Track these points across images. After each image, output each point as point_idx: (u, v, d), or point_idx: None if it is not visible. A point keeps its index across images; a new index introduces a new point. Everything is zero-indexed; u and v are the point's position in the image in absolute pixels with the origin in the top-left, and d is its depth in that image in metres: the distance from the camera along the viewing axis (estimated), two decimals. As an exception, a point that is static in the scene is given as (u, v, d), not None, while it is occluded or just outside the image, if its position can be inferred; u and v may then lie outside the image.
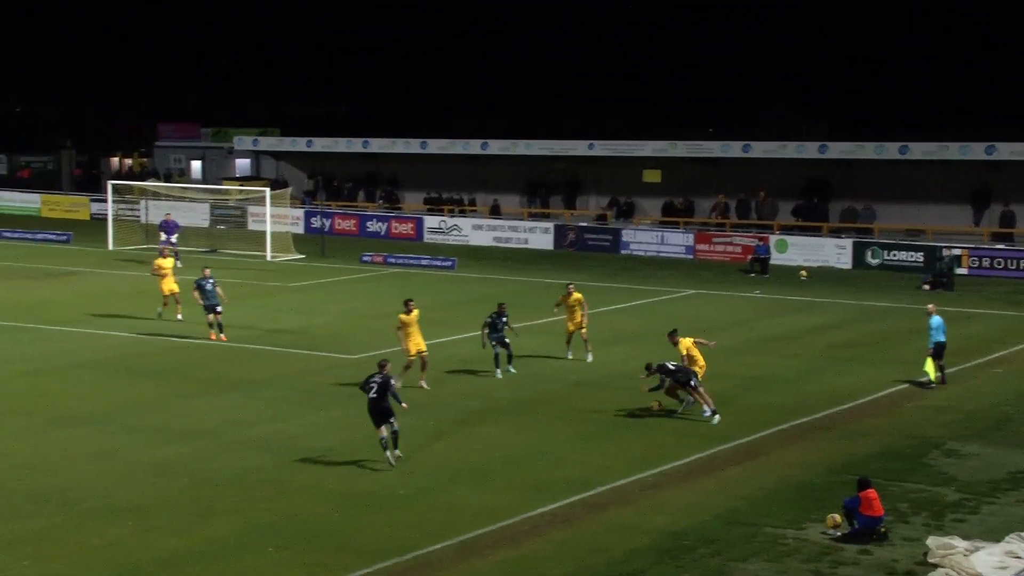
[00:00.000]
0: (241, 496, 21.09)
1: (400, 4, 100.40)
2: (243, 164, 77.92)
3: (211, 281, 34.36)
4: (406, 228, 62.32)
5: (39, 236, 59.99)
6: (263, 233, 55.69)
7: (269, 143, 74.61)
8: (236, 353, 33.07)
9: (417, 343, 28.67)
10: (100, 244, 57.04)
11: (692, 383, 26.69)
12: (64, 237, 59.37)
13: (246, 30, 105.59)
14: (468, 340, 33.80)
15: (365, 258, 53.26)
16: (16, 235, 60.37)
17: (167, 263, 38.30)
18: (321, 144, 70.86)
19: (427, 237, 61.54)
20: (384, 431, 22.69)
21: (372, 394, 22.78)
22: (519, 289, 45.47)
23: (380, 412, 22.73)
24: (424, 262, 52.33)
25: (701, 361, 27.75)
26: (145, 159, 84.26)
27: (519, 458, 23.86)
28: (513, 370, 30.54)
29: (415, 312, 28.90)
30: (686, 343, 27.83)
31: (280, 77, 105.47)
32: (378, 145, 69.18)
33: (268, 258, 53.73)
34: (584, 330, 32.25)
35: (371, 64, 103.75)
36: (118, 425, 25.71)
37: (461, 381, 30.12)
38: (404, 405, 23.47)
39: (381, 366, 23.29)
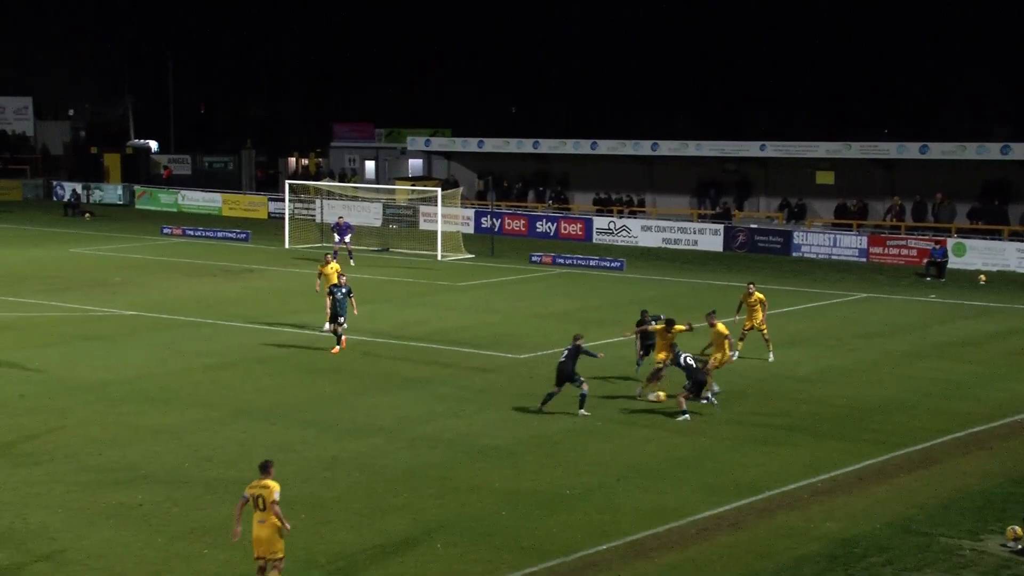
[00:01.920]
0: (412, 492, 21.40)
1: (573, 6, 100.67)
2: (415, 164, 79.17)
3: (344, 290, 32.98)
4: (575, 229, 62.46)
5: (219, 234, 61.91)
6: (434, 233, 56.44)
7: (441, 143, 75.57)
8: (408, 351, 33.59)
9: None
10: (277, 242, 58.55)
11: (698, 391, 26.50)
12: (243, 235, 61.09)
13: (420, 32, 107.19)
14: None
15: (534, 258, 53.57)
16: (198, 233, 62.39)
17: (330, 270, 36.49)
18: (492, 144, 71.48)
19: (596, 238, 61.59)
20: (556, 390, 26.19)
21: (562, 358, 26.25)
22: (687, 291, 45.21)
23: (562, 373, 26.18)
24: (593, 263, 52.39)
25: (724, 353, 28.30)
26: (321, 159, 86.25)
27: (687, 460, 23.75)
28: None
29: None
30: (721, 328, 28.30)
31: (454, 78, 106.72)
32: (548, 146, 69.46)
33: (439, 257, 54.44)
34: (765, 329, 32.37)
35: (544, 65, 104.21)
36: (294, 420, 26.35)
37: (629, 383, 30.07)
38: (600, 355, 27.38)
39: (576, 339, 26.35)
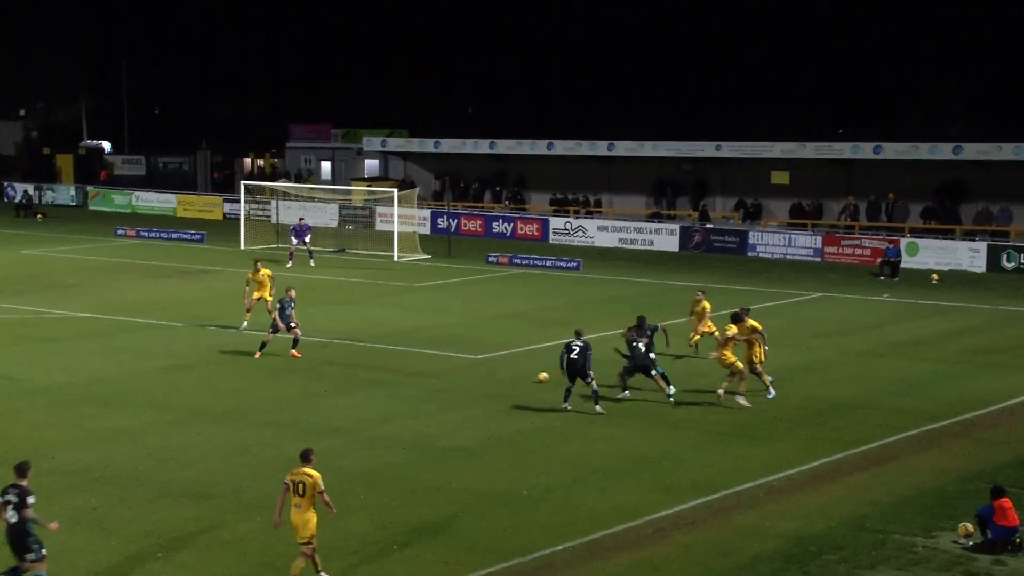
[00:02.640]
0: (371, 493, 21.40)
1: (526, 5, 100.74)
2: (372, 165, 78.99)
3: (293, 303, 32.26)
4: (532, 229, 62.55)
5: (174, 235, 61.54)
6: (390, 233, 56.37)
7: (397, 144, 75.48)
8: (366, 352, 33.54)
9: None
10: (233, 243, 58.30)
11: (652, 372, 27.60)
12: (198, 236, 60.78)
13: (376, 32, 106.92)
14: (592, 341, 33.86)
15: (491, 259, 53.60)
16: (153, 234, 62.00)
17: (262, 276, 35.94)
18: (448, 145, 71.49)
19: (552, 238, 61.71)
20: (571, 386, 26.73)
21: (573, 355, 26.48)
22: (645, 291, 45.38)
23: (574, 369, 26.53)
24: (550, 263, 52.48)
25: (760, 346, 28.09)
26: (277, 160, 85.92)
27: (645, 459, 23.84)
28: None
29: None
30: (752, 324, 28.16)
31: (408, 78, 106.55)
32: (505, 146, 69.54)
33: (395, 258, 54.38)
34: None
35: (498, 65, 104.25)
36: (251, 421, 26.26)
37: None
38: (591, 374, 26.74)
39: (578, 334, 27.01)
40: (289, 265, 50.11)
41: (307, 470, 17.37)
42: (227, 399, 28.14)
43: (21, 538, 16.59)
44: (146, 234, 62.07)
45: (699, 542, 19.45)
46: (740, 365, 27.73)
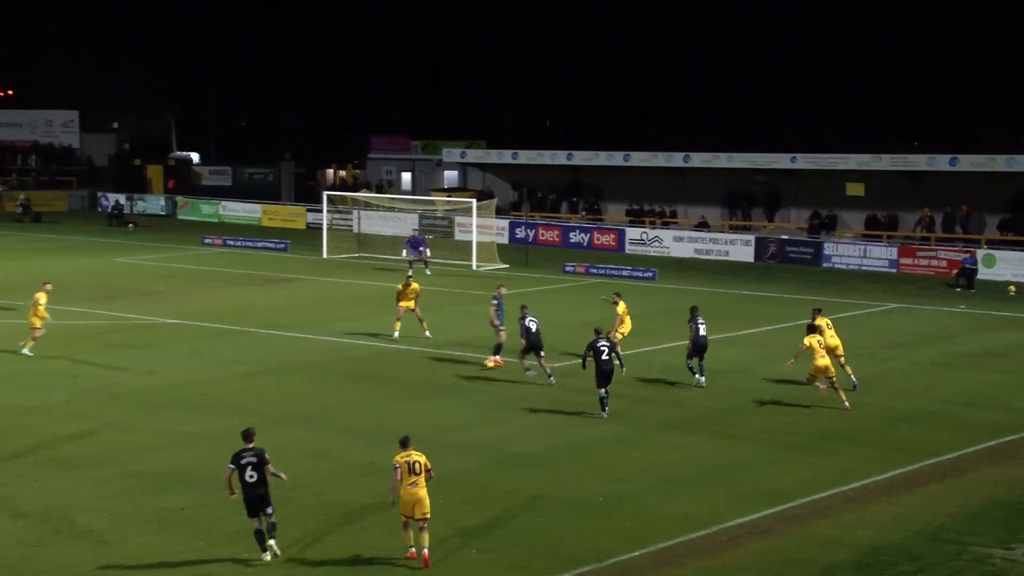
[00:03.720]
0: (448, 498, 21.67)
1: (607, 19, 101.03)
2: (451, 176, 79.65)
3: (537, 323, 30.96)
4: (608, 239, 62.81)
5: (259, 244, 62.60)
6: (469, 243, 56.92)
7: (476, 155, 76.04)
8: (444, 359, 33.98)
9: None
10: (315, 252, 59.15)
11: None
12: (282, 245, 61.73)
13: (456, 44, 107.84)
14: (667, 350, 34.17)
15: (567, 268, 53.93)
16: (239, 243, 63.10)
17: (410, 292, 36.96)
18: (526, 156, 71.93)
19: (629, 248, 61.92)
20: (603, 391, 27.18)
21: (604, 356, 26.97)
22: (719, 300, 45.45)
23: (607, 373, 27.10)
24: (625, 273, 52.71)
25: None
26: (358, 171, 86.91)
27: (718, 467, 24.04)
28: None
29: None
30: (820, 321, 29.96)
31: (488, 90, 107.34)
32: (581, 157, 69.85)
33: (474, 267, 54.89)
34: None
35: (575, 78, 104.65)
36: (332, 426, 26.79)
37: (660, 390, 30.43)
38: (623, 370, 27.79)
39: (597, 332, 27.70)
40: (409, 273, 50.22)
41: (411, 452, 18.92)
42: (306, 404, 28.69)
43: (262, 496, 18.74)
44: (232, 243, 63.13)
45: (773, 550, 19.55)
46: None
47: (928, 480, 23.36)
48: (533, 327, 30.19)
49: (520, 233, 63.14)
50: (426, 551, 18.65)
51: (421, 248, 52.45)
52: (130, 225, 72.68)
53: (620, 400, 28.65)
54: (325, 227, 60.77)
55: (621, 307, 33.25)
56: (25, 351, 33.53)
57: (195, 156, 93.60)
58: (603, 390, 27.29)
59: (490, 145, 79.38)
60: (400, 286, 37.10)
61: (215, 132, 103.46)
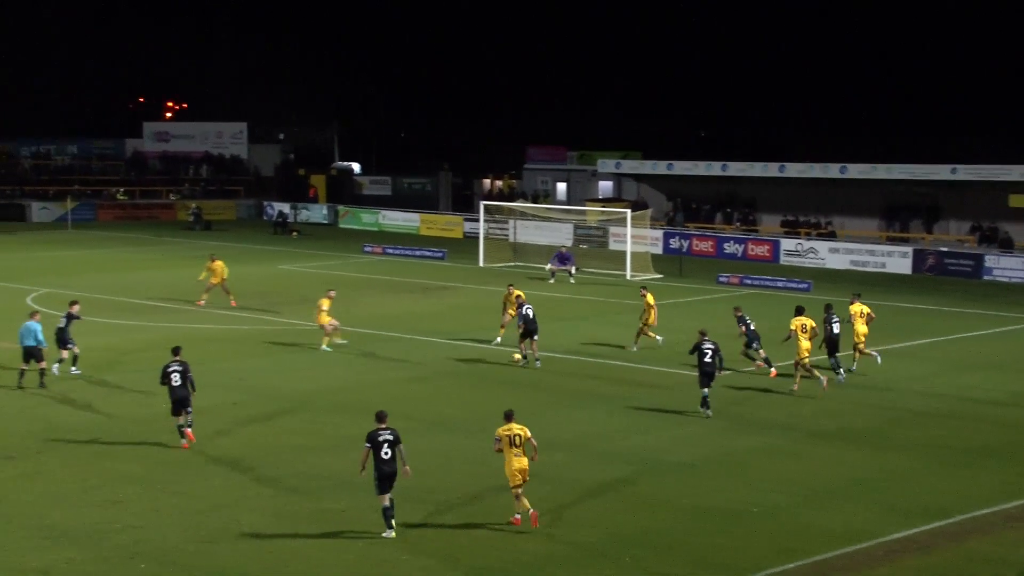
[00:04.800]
0: (601, 506, 21.99)
1: (764, 32, 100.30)
2: (606, 186, 79.97)
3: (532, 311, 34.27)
4: (762, 250, 62.38)
5: (417, 253, 63.71)
6: (623, 253, 57.11)
7: (631, 166, 76.21)
8: (598, 367, 34.28)
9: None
10: (472, 260, 59.98)
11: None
12: (440, 254, 62.73)
13: (612, 56, 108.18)
14: (824, 362, 33.85)
15: (722, 279, 53.75)
16: (398, 251, 64.32)
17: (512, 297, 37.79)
18: (681, 167, 71.88)
19: (783, 259, 61.41)
20: (707, 391, 28.22)
21: (707, 358, 28.16)
22: (875, 312, 44.73)
23: (709, 374, 28.17)
24: (780, 284, 52.32)
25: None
26: (514, 180, 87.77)
27: (873, 481, 23.83)
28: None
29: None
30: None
31: (644, 101, 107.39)
32: (736, 168, 69.52)
33: (628, 277, 55.05)
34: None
35: (731, 87, 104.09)
36: (489, 433, 27.11)
37: (814, 401, 30.21)
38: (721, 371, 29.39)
39: (702, 334, 28.94)
40: (551, 282, 52.54)
41: (512, 425, 20.86)
42: (462, 410, 29.24)
43: (395, 473, 20.51)
44: (391, 251, 64.36)
45: (931, 567, 19.32)
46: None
47: (1095, 498, 22.81)
48: (530, 314, 33.52)
49: (674, 243, 63.11)
50: (532, 510, 20.57)
51: (567, 264, 53.38)
52: (294, 233, 74.61)
53: (773, 410, 28.56)
54: (482, 236, 61.57)
55: (650, 298, 36.45)
56: (324, 347, 36.31)
57: (356, 166, 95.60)
58: (705, 389, 28.35)
59: (645, 156, 79.48)
60: (505, 293, 37.81)
61: (376, 143, 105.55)
